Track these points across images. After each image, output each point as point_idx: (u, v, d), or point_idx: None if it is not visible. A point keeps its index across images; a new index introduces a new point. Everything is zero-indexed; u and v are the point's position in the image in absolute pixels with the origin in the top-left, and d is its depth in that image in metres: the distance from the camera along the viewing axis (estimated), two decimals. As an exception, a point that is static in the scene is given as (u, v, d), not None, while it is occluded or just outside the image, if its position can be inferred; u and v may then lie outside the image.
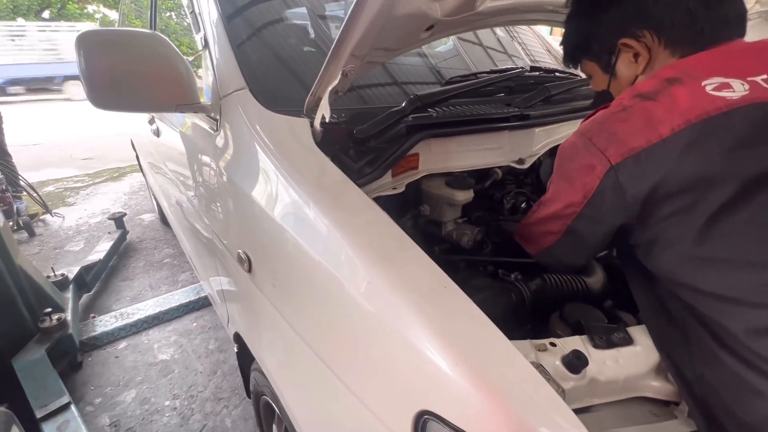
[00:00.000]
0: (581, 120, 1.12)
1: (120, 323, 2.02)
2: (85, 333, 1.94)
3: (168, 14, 1.89)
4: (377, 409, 0.56)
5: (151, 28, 1.77)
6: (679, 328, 0.56)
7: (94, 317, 2.09)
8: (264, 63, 1.02)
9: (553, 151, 1.09)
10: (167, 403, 1.65)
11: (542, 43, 1.75)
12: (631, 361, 0.57)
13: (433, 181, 0.91)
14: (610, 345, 0.58)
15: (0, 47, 11.11)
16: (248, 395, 1.29)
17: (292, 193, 0.71)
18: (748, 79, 0.54)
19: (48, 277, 1.96)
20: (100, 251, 2.47)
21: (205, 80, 1.08)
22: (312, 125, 0.79)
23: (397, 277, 0.55)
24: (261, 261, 0.81)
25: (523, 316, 0.77)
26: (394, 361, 0.53)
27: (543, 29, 2.03)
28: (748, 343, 0.49)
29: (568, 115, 1.05)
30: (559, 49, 0.81)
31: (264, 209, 0.77)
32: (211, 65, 1.01)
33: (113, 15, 14.76)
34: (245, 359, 1.22)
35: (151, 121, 1.70)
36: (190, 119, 1.21)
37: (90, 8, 14.61)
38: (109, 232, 2.80)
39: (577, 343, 0.58)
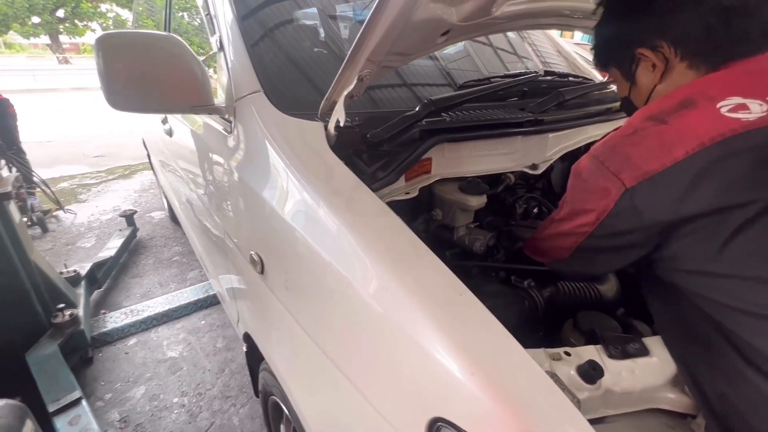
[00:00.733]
0: (595, 125, 1.12)
1: (130, 320, 2.05)
2: (96, 329, 1.96)
3: (181, 14, 1.91)
4: (389, 414, 0.56)
5: (165, 27, 1.79)
6: (701, 342, 0.55)
7: (104, 313, 2.12)
8: (278, 66, 1.03)
9: (564, 157, 1.08)
10: (176, 400, 1.67)
11: (553, 45, 1.74)
12: (647, 373, 0.57)
13: (445, 185, 0.91)
14: (625, 355, 0.57)
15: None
16: (256, 394, 1.30)
17: (306, 196, 0.71)
18: None
19: (60, 273, 1.99)
20: (111, 248, 2.51)
21: (219, 82, 1.09)
22: (326, 129, 0.80)
23: (413, 283, 0.55)
24: (274, 263, 0.82)
25: (536, 323, 0.77)
26: (409, 367, 0.53)
27: (553, 30, 2.02)
28: None
29: (582, 120, 1.05)
30: (570, 51, 0.82)
31: (278, 212, 0.77)
32: (226, 67, 1.02)
33: (125, 14, 14.96)
34: (254, 359, 1.23)
35: (164, 121, 1.72)
36: (203, 120, 1.22)
37: (103, 7, 14.80)
38: (120, 230, 2.83)
39: (591, 352, 0.58)
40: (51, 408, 1.33)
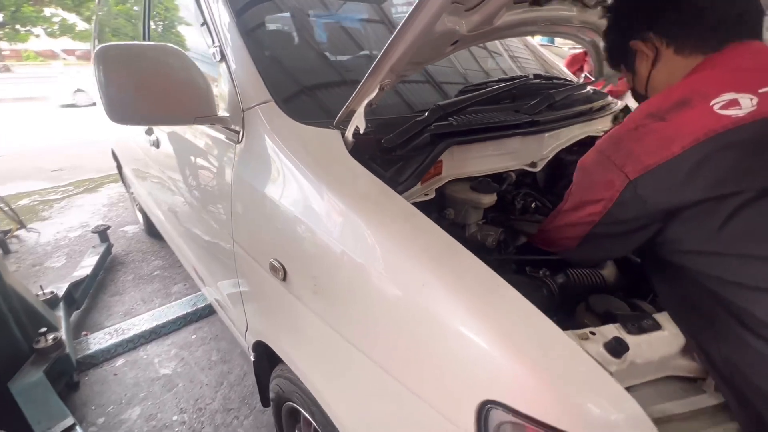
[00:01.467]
0: (583, 123, 1.21)
1: (115, 339, 1.96)
2: (79, 352, 1.87)
3: (158, 26, 1.82)
4: (437, 403, 0.59)
5: (144, 38, 1.73)
6: (705, 314, 0.62)
7: (86, 335, 2.02)
8: (286, 75, 1.04)
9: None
10: (175, 417, 1.62)
11: (528, 48, 1.83)
12: (662, 344, 0.64)
13: (457, 185, 0.96)
14: (641, 331, 0.64)
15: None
16: (264, 404, 1.29)
17: (336, 203, 0.73)
18: (760, 91, 0.61)
19: (37, 295, 1.88)
20: (86, 266, 2.38)
21: (221, 92, 1.08)
22: (343, 136, 0.82)
23: (451, 278, 0.59)
24: (298, 269, 0.83)
25: (552, 309, 0.83)
26: (454, 356, 0.57)
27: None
28: None
29: (571, 120, 1.13)
30: (543, 51, 0.92)
31: (303, 219, 0.79)
32: (230, 78, 1.02)
33: (72, 18, 14.07)
34: (262, 368, 1.22)
35: (149, 132, 1.67)
36: (202, 130, 1.21)
37: (47, 11, 13.85)
38: (93, 246, 2.70)
39: (612, 330, 0.64)
40: (45, 437, 1.27)
